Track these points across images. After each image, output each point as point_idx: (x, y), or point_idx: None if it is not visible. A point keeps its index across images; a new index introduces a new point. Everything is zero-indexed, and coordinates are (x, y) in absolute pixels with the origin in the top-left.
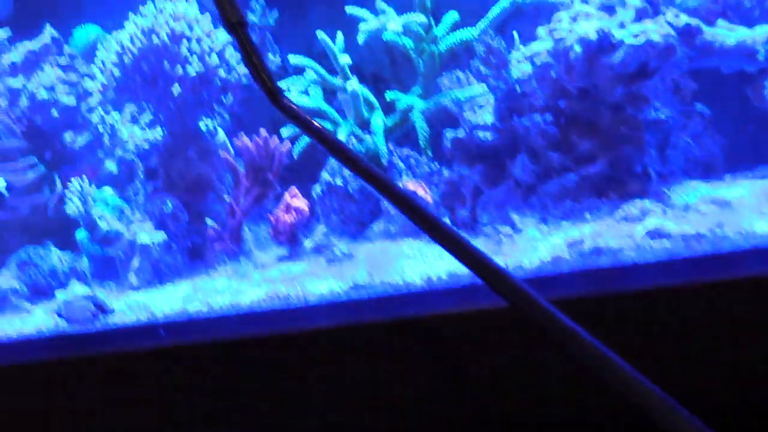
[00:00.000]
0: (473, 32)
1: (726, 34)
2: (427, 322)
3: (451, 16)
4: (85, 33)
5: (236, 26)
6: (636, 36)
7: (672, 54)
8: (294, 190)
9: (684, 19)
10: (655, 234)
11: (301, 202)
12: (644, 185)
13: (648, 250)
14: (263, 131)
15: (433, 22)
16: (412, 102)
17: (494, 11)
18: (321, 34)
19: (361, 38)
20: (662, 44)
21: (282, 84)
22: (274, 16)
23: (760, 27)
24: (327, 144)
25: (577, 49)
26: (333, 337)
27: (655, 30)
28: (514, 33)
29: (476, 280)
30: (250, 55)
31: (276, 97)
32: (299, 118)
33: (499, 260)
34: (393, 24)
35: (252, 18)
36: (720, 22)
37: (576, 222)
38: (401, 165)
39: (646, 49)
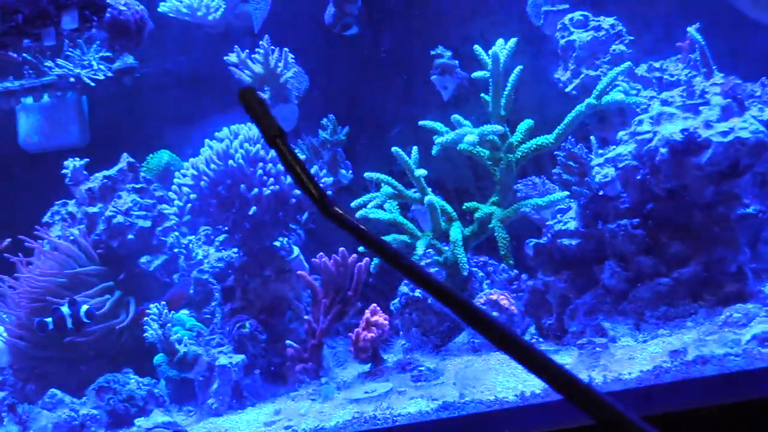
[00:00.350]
0: (549, 139)
1: None
2: None
3: (526, 123)
4: (158, 158)
5: (275, 138)
6: (725, 134)
7: (764, 150)
8: (374, 307)
9: None
10: (765, 340)
11: (380, 318)
12: (741, 285)
13: (758, 356)
14: (342, 250)
15: (508, 131)
16: (489, 211)
17: (571, 116)
18: (396, 150)
19: (435, 150)
20: (752, 140)
21: (359, 200)
22: (345, 131)
23: None
24: (382, 252)
25: (663, 150)
26: None
27: (744, 127)
28: (592, 138)
29: None
30: (293, 164)
31: (323, 204)
32: (350, 226)
33: (597, 372)
34: (470, 136)
35: (323, 135)
36: None
37: (674, 329)
38: (480, 273)
39: (736, 147)
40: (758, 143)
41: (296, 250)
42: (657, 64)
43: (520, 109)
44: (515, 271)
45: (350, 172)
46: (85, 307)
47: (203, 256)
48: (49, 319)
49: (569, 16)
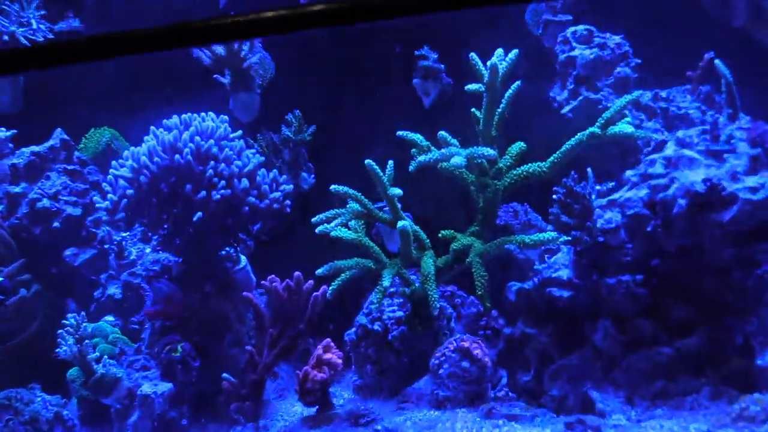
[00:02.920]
0: (543, 167)
1: None
2: None
3: (518, 147)
4: (98, 136)
5: None
6: (754, 191)
7: None
8: (327, 341)
9: None
10: None
11: (333, 356)
12: (748, 361)
13: None
14: (297, 275)
15: (497, 155)
16: (468, 242)
17: (569, 145)
18: (370, 163)
19: (413, 166)
20: None
21: (322, 216)
22: (311, 130)
23: None
24: None
25: (682, 201)
26: None
27: None
28: (588, 170)
29: None
30: None
31: None
32: None
33: None
34: (457, 158)
35: (286, 132)
36: None
37: (674, 411)
38: (449, 309)
39: (766, 208)
40: None
41: (244, 260)
42: (663, 93)
43: (507, 124)
44: (489, 305)
45: (312, 176)
46: None
47: (137, 255)
48: None
49: (572, 28)
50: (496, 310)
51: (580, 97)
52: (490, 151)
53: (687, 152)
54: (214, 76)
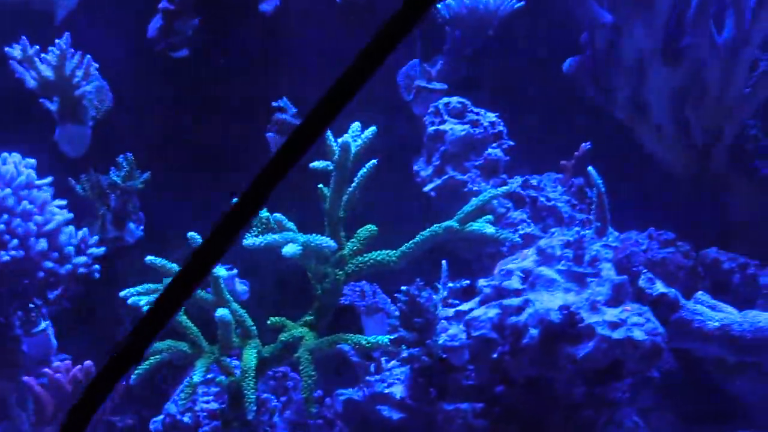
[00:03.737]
0: (392, 256)
1: (708, 313)
2: None
3: (367, 230)
4: None
5: None
6: (614, 326)
7: (657, 358)
8: None
9: (659, 288)
10: None
11: None
12: None
13: None
14: (88, 364)
15: (344, 236)
16: (299, 334)
17: (422, 237)
18: (193, 236)
19: (246, 242)
20: (648, 343)
21: (136, 289)
22: (145, 177)
23: (751, 312)
24: None
25: (534, 332)
26: None
27: (640, 323)
28: (444, 262)
29: None
30: None
31: None
32: None
33: None
34: (291, 247)
35: (114, 176)
36: (701, 295)
37: None
38: (273, 402)
39: (624, 348)
40: (653, 350)
41: (43, 324)
42: (534, 181)
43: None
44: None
45: (141, 227)
46: None
47: None
48: None
49: (445, 100)
50: (322, 419)
51: (445, 176)
52: (329, 242)
53: (546, 272)
54: (41, 99)
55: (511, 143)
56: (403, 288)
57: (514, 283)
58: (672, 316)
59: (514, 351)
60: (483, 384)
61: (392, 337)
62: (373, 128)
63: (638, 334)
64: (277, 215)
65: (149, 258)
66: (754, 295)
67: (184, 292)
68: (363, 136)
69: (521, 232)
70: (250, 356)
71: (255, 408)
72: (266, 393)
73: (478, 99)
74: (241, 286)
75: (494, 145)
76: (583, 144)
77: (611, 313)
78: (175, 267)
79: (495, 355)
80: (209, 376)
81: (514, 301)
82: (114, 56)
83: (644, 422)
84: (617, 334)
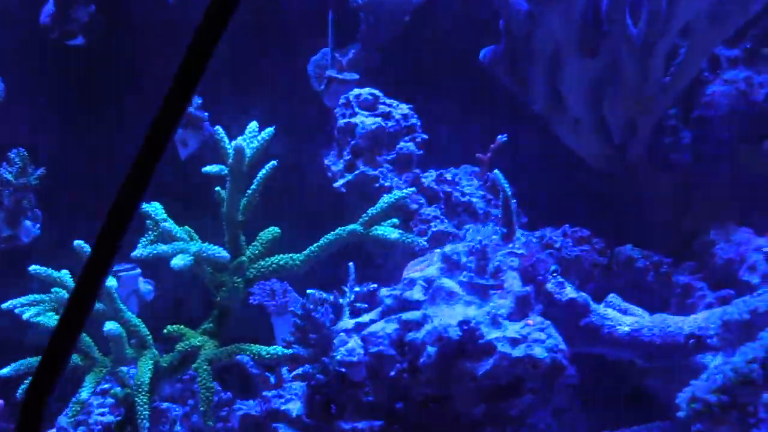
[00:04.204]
0: (296, 260)
1: (618, 318)
2: None
3: (270, 232)
4: None
5: None
6: (514, 343)
7: (558, 375)
8: None
9: (569, 293)
10: None
11: None
12: None
13: None
14: None
15: (243, 241)
16: (198, 343)
17: (327, 240)
18: (80, 243)
19: (138, 253)
20: (547, 361)
21: (24, 300)
22: (39, 173)
23: (661, 316)
24: None
25: (431, 350)
26: None
27: (541, 339)
28: (351, 264)
29: None
30: None
31: None
32: None
33: None
34: (180, 258)
35: (5, 173)
36: (612, 297)
37: None
38: (176, 410)
39: (525, 366)
40: (553, 367)
41: None
42: (449, 175)
43: (269, 196)
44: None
45: (38, 226)
46: None
47: None
48: None
49: (356, 91)
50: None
51: (356, 171)
52: (222, 252)
53: (448, 284)
54: None
55: (425, 136)
56: (302, 302)
57: (416, 293)
58: (581, 321)
59: (412, 369)
60: (381, 401)
61: (288, 353)
62: (270, 129)
63: (538, 351)
64: (166, 224)
65: (33, 267)
66: (668, 294)
67: (80, 316)
68: (259, 137)
69: (434, 229)
70: (144, 369)
71: (148, 425)
72: (171, 398)
73: (391, 90)
74: (145, 286)
75: (407, 138)
76: (499, 136)
77: (512, 329)
78: (62, 276)
79: (392, 373)
80: (106, 386)
81: (415, 314)
82: (2, 46)
83: (557, 423)
84: (517, 352)
